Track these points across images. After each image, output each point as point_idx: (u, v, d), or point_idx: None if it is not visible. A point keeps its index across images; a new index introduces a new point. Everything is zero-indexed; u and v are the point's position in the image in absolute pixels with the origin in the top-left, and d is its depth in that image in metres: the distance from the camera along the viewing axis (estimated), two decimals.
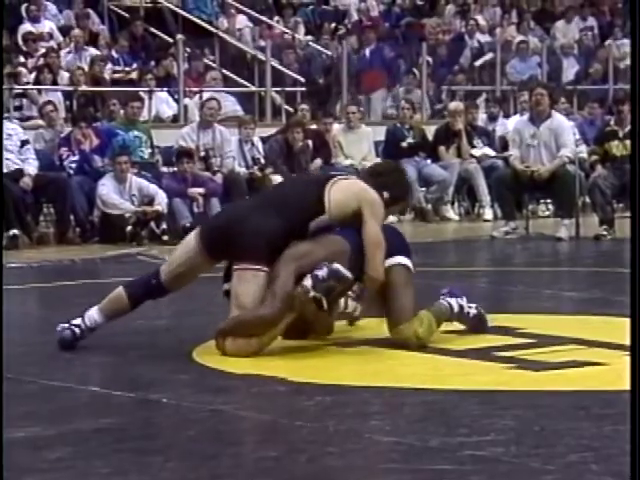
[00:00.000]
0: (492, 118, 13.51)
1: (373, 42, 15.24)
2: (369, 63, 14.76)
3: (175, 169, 10.71)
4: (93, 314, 5.15)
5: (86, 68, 12.95)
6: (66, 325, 5.16)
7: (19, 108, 12.20)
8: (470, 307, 5.35)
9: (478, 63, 16.04)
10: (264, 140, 11.72)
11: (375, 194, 5.13)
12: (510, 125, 12.63)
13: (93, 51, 13.52)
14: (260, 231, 5.01)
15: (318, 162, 11.77)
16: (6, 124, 10.22)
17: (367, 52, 14.83)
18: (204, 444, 3.69)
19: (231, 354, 4.94)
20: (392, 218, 11.12)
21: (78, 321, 5.15)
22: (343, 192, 5.10)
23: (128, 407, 4.21)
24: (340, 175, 5.33)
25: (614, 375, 4.61)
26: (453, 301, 5.31)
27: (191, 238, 5.19)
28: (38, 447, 3.65)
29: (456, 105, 12.63)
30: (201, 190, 10.40)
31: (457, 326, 5.38)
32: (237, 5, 15.72)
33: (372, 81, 14.50)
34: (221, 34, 14.90)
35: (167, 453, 3.62)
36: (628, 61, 16.90)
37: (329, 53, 15.01)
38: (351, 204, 5.08)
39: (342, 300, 4.98)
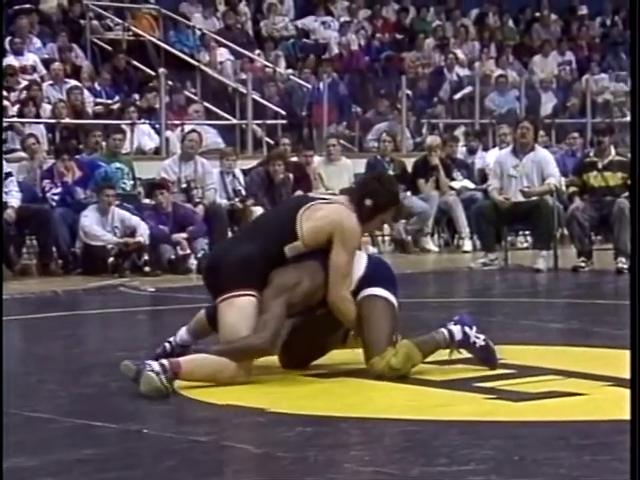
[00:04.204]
0: (471, 151, 13.62)
1: (330, 75, 15.24)
2: (325, 97, 14.65)
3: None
4: (182, 333, 5.38)
5: (66, 100, 13.00)
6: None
7: (3, 141, 12.21)
8: (478, 337, 5.24)
9: (457, 96, 16.18)
10: (245, 172, 11.79)
11: (350, 220, 5.13)
12: (489, 158, 12.75)
13: (75, 83, 13.57)
14: (234, 259, 5.09)
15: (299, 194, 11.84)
16: None
17: (321, 85, 14.78)
18: (185, 474, 3.71)
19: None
20: (371, 249, 11.22)
21: (171, 338, 5.37)
22: (316, 220, 5.12)
23: (109, 438, 4.22)
24: (319, 199, 5.27)
25: (593, 405, 4.65)
26: (457, 328, 5.21)
27: None
28: (21, 478, 3.65)
29: (432, 140, 12.76)
30: (184, 235, 10.43)
31: (442, 354, 5.36)
32: (218, 39, 15.82)
33: (323, 115, 14.44)
34: (203, 67, 15.00)
35: None
36: (606, 95, 17.11)
37: (309, 86, 15.11)
38: (324, 231, 5.11)
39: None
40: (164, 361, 4.87)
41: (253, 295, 5.03)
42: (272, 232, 5.15)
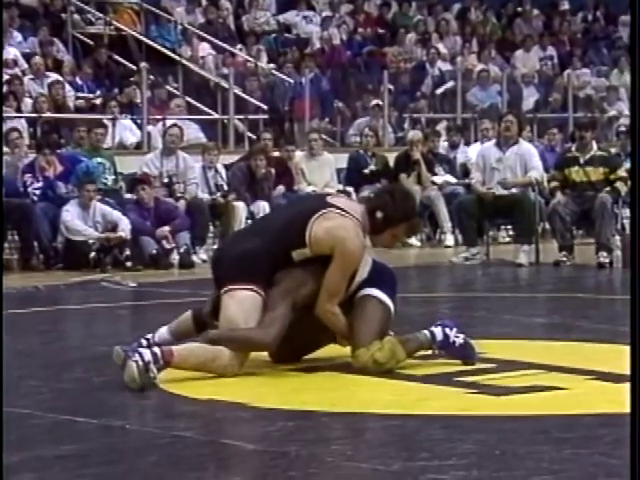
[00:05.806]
0: (453, 146, 13.63)
1: (313, 70, 15.23)
2: (307, 91, 14.61)
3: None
4: (163, 332, 5.32)
5: (47, 94, 12.94)
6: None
7: None
8: (457, 337, 5.32)
9: (439, 91, 16.19)
10: (227, 167, 11.77)
11: (353, 242, 5.10)
12: (471, 152, 12.77)
13: (56, 78, 13.52)
14: (239, 252, 5.13)
15: (281, 189, 11.83)
16: None
17: (303, 80, 14.76)
18: (167, 470, 3.71)
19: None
20: None
21: (149, 335, 5.32)
22: (323, 231, 5.11)
23: (91, 433, 4.21)
24: (334, 208, 5.17)
25: (574, 399, 4.67)
26: (438, 330, 5.30)
27: None
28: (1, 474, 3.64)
29: (414, 134, 12.79)
30: (168, 228, 10.41)
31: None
32: (200, 33, 15.78)
33: (305, 110, 14.41)
34: (184, 62, 14.97)
35: (130, 479, 3.63)
36: (587, 90, 17.14)
37: (291, 81, 15.09)
38: (327, 244, 5.11)
39: None
40: (156, 349, 4.86)
41: (253, 290, 5.05)
42: (281, 232, 5.15)
